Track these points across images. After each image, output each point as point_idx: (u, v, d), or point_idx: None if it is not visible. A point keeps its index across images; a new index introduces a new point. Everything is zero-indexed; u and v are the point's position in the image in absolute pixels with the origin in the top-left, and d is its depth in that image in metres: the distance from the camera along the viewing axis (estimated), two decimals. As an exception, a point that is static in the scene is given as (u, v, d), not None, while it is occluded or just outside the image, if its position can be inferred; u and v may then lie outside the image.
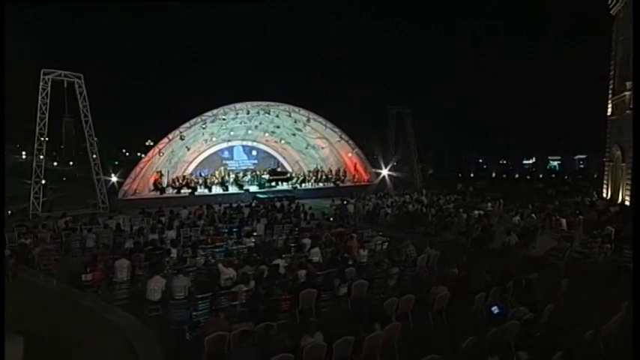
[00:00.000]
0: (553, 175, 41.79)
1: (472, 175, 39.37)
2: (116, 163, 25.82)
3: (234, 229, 10.78)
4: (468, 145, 50.59)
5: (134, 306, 6.55)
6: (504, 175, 40.49)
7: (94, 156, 15.61)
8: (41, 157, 14.27)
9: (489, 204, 16.80)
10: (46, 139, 14.01)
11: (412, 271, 7.84)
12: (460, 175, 37.66)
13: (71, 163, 15.63)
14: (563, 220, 13.39)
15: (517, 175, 40.19)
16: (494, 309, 6.23)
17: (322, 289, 6.67)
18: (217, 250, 8.93)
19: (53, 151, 26.97)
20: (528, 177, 37.42)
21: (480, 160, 55.68)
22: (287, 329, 5.47)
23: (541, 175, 41.36)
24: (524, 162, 54.30)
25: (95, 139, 15.45)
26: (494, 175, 41.77)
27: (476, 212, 14.00)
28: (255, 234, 10.63)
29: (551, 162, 52.98)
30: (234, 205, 14.71)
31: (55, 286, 7.62)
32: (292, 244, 9.65)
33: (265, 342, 4.64)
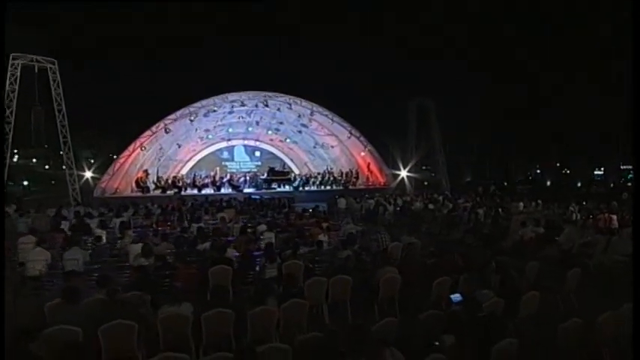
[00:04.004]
0: (629, 184, 38.25)
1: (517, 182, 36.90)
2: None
3: (188, 217, 10.42)
4: (519, 152, 47.79)
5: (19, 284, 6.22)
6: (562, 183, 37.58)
7: (67, 149, 16.09)
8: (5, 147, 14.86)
9: (521, 203, 15.27)
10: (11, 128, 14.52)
11: (373, 256, 6.92)
12: (505, 183, 35.41)
13: (64, 167, 16.22)
14: (614, 217, 11.73)
15: (579, 184, 37.13)
16: (455, 296, 5.26)
17: (241, 268, 6.00)
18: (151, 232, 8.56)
19: (45, 154, 28.70)
20: (595, 186, 34.44)
21: (538, 171, 52.34)
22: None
23: (612, 185, 37.97)
24: (595, 172, 50.24)
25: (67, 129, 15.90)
26: (548, 183, 38.86)
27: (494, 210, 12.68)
28: (212, 222, 10.31)
29: (631, 173, 48.45)
30: (210, 200, 14.44)
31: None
32: (248, 230, 9.09)
33: (107, 308, 4.07)
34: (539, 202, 15.99)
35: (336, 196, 14.38)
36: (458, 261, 6.19)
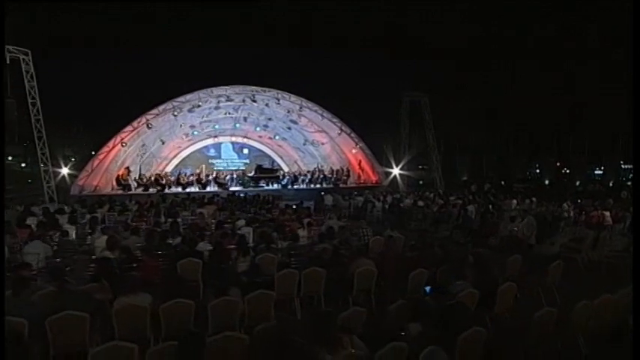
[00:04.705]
0: (629, 183, 38.53)
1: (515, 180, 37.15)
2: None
3: (165, 213, 10.36)
4: (518, 151, 48.03)
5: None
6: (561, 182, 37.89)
7: (42, 144, 15.85)
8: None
9: (514, 201, 15.35)
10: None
11: (351, 250, 6.90)
12: (503, 182, 35.59)
13: (42, 165, 15.97)
14: (607, 214, 11.84)
15: (578, 183, 37.42)
16: (429, 288, 5.27)
17: (212, 262, 5.95)
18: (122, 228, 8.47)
19: (23, 152, 28.19)
20: (592, 184, 34.72)
21: (538, 171, 52.67)
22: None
23: (612, 183, 38.32)
24: (596, 172, 50.64)
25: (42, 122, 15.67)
26: (547, 182, 39.10)
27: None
28: (191, 218, 10.28)
29: (632, 172, 48.78)
30: (191, 197, 14.37)
31: None
32: (226, 225, 9.07)
33: (58, 299, 4.00)
34: (534, 199, 16.09)
35: (322, 193, 14.35)
36: (437, 254, 6.18)
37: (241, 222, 8.92)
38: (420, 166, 32.40)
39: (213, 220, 9.61)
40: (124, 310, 4.01)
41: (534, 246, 9.16)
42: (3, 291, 4.13)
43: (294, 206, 11.72)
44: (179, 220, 9.29)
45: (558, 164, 50.16)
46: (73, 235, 7.97)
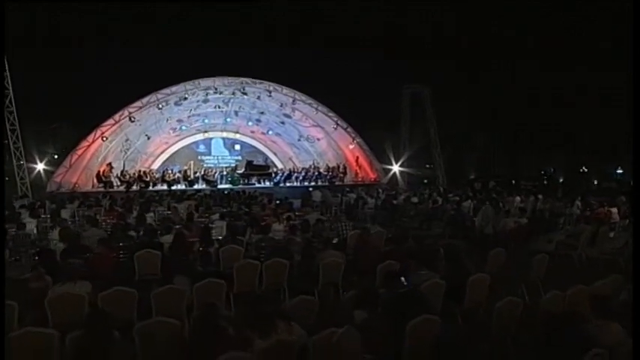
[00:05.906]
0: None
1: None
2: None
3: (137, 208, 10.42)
4: (532, 149, 47.77)
5: None
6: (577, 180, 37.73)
7: (15, 137, 15.89)
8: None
9: (518, 198, 15.25)
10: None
11: (324, 243, 6.91)
12: (513, 181, 35.45)
13: (21, 161, 16.05)
14: (614, 210, 11.76)
15: (595, 182, 37.21)
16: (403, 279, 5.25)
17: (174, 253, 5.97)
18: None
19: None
20: (607, 182, 34.61)
21: (553, 170, 52.44)
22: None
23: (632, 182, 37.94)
24: (618, 171, 50.37)
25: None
26: (561, 180, 38.89)
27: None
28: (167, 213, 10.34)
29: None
30: (172, 193, 14.45)
31: None
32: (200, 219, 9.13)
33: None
34: (540, 196, 15.97)
35: (310, 189, 14.35)
36: (411, 247, 6.18)
37: (216, 216, 8.96)
38: (428, 165, 32.35)
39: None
40: (59, 298, 4.02)
41: (530, 243, 9.14)
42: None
43: (277, 202, 11.75)
44: (150, 214, 9.33)
45: (575, 163, 49.90)
46: (34, 229, 8.04)
